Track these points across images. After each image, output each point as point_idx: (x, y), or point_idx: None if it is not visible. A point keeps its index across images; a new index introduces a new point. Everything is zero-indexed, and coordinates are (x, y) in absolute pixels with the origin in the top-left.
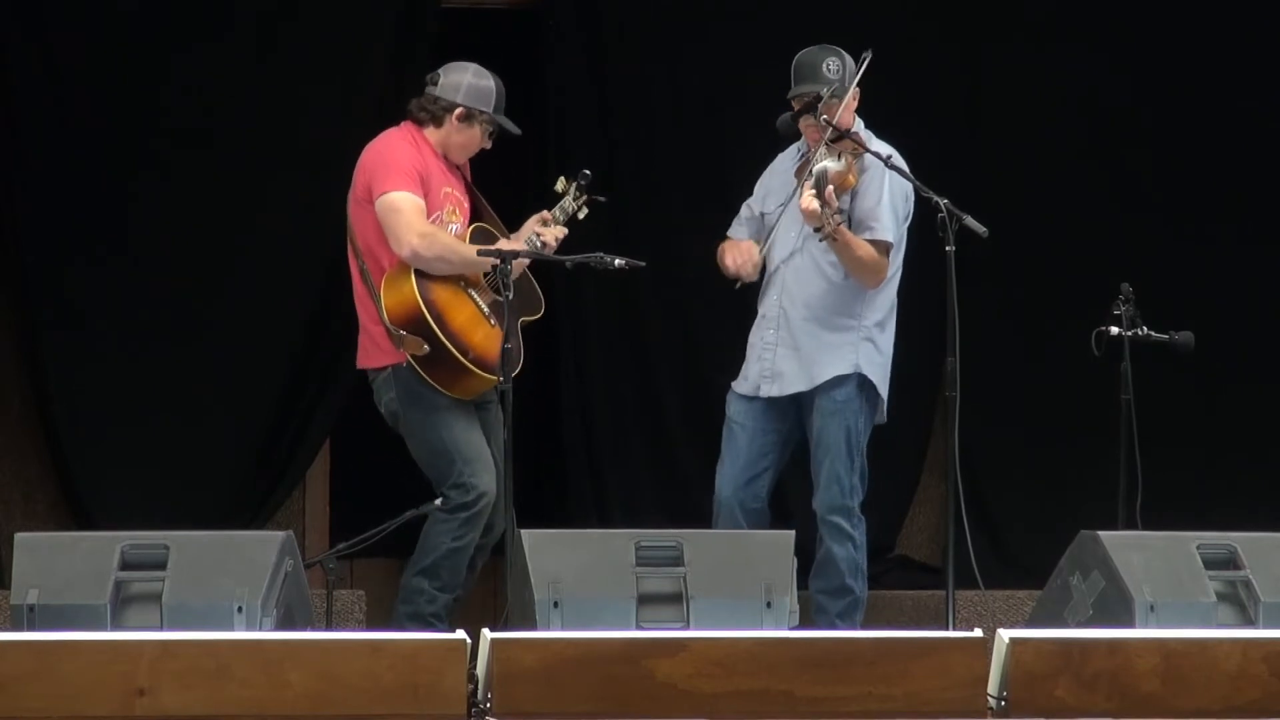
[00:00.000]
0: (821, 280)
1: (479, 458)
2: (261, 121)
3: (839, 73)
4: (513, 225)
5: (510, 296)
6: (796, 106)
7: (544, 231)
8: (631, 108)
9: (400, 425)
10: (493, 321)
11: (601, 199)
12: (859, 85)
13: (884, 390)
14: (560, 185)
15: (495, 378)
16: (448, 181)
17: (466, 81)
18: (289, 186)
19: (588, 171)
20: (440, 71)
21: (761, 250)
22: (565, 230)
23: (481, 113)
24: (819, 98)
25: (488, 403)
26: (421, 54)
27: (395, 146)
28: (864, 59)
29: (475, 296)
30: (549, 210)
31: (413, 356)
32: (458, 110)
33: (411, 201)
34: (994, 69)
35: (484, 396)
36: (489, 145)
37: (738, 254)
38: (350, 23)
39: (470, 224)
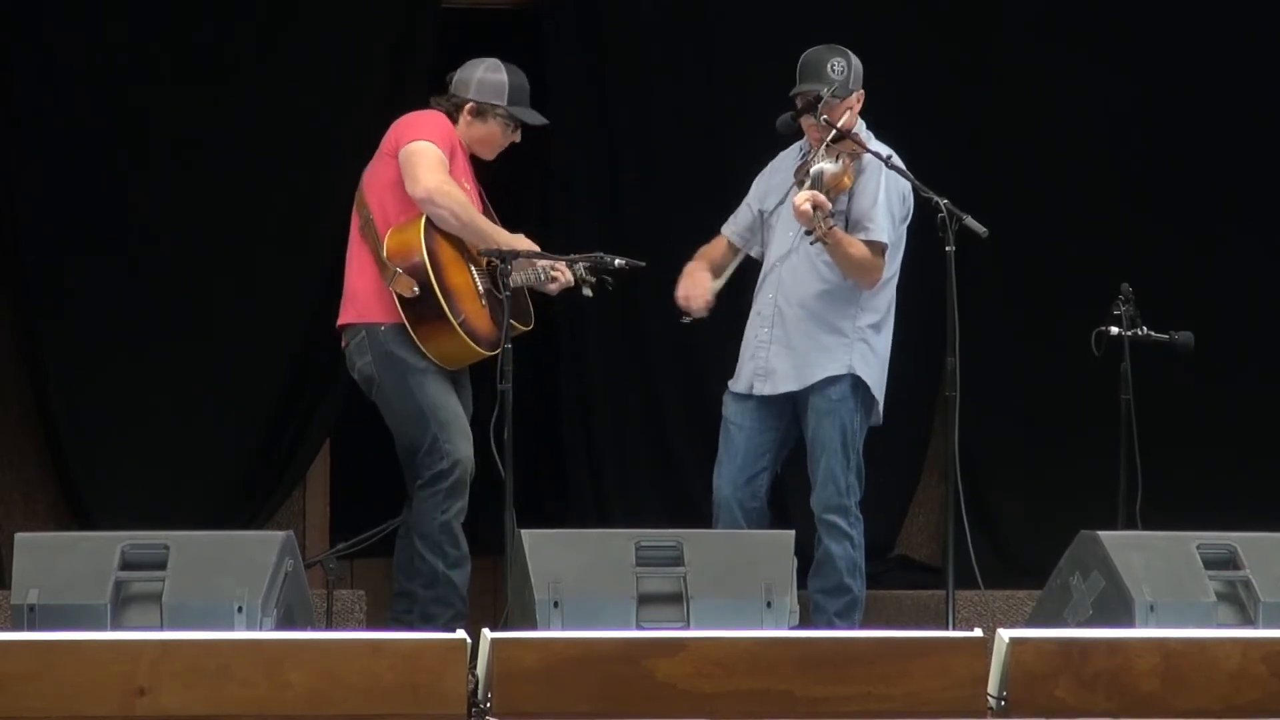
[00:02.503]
0: (817, 280)
1: (455, 423)
2: (261, 121)
3: (843, 73)
4: (512, 228)
5: (509, 295)
6: (799, 105)
7: (557, 278)
8: (631, 108)
9: (375, 391)
10: (484, 302)
11: (610, 283)
12: (863, 89)
13: (879, 392)
14: (584, 266)
15: (479, 349)
16: (467, 177)
17: (477, 76)
18: (289, 187)
19: (604, 256)
20: (455, 71)
21: (721, 280)
22: (571, 283)
23: (494, 107)
24: (819, 98)
25: (461, 387)
26: (421, 54)
27: (434, 117)
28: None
29: (474, 272)
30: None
31: (399, 298)
32: (468, 105)
33: (438, 153)
34: (994, 69)
35: (459, 376)
36: (517, 138)
37: (691, 286)
38: (350, 23)
39: None
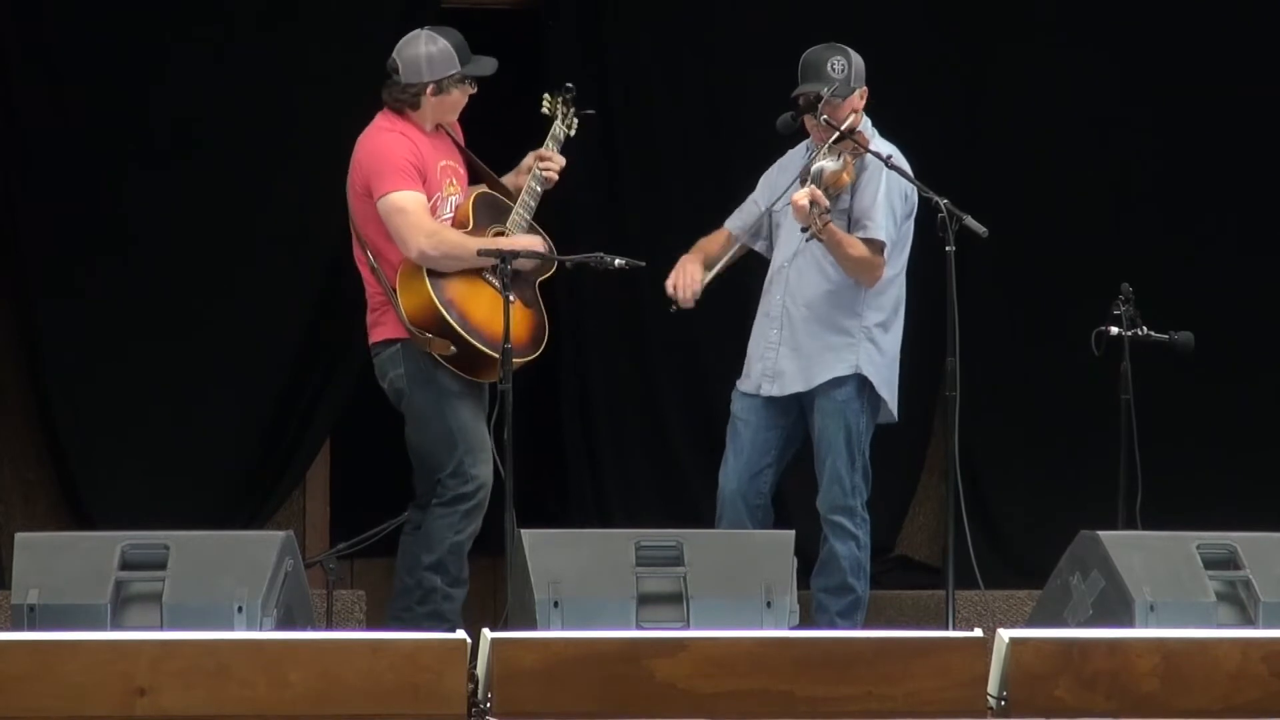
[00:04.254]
0: (824, 280)
1: (481, 448)
2: (261, 121)
3: (844, 72)
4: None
5: (511, 298)
6: (800, 104)
7: (548, 166)
8: (631, 107)
9: (404, 405)
10: (511, 297)
11: (590, 111)
12: (866, 86)
13: (886, 391)
14: (546, 105)
15: (526, 359)
16: (440, 155)
17: (423, 55)
18: (289, 186)
19: (570, 85)
20: (395, 58)
21: (712, 273)
22: (564, 159)
23: (452, 76)
24: (819, 98)
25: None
26: None
27: (387, 143)
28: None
29: (489, 279)
30: (542, 148)
31: (441, 357)
32: (429, 88)
33: (415, 200)
34: (994, 69)
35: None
36: (474, 90)
37: (682, 276)
38: (350, 22)
39: (470, 188)
